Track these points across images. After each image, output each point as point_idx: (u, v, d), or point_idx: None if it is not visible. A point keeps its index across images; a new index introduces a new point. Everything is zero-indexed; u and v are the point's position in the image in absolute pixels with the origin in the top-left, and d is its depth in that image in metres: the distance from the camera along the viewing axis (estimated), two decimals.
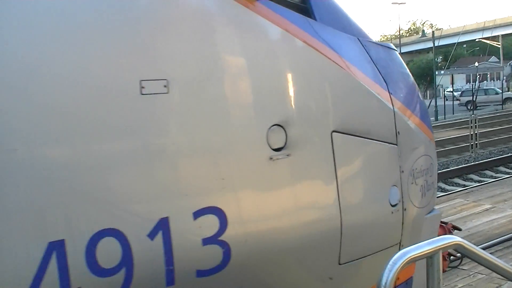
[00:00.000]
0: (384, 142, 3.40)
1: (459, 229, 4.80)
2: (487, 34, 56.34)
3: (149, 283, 2.42)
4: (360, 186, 3.26)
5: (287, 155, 2.81)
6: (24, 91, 2.11)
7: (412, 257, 2.44)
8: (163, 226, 2.42)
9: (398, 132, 3.49)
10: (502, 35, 71.06)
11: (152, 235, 2.39)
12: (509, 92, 48.34)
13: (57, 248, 2.16)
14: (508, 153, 18.06)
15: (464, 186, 13.51)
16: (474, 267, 6.01)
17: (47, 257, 2.14)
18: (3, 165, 2.06)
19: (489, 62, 67.72)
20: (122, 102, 2.33)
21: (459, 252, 3.74)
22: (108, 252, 2.28)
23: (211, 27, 2.67)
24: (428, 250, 2.52)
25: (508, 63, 77.87)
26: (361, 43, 3.52)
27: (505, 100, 41.60)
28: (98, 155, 2.27)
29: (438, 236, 3.69)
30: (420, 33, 77.11)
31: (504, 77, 59.76)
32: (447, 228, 4.49)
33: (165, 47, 2.48)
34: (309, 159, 2.95)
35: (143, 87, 2.35)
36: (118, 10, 2.35)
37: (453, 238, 2.74)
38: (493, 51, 69.82)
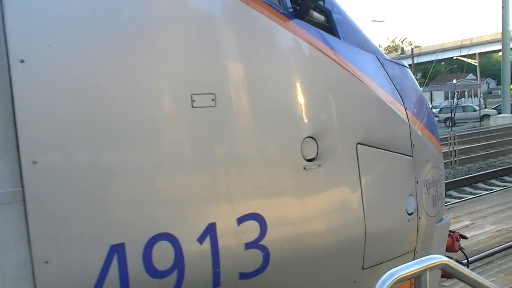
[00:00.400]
0: (402, 154, 3.64)
1: (465, 238, 4.98)
2: (465, 52, 57.44)
3: (198, 285, 2.59)
4: (381, 195, 3.45)
5: (319, 165, 3.04)
6: (101, 104, 2.34)
7: (400, 277, 2.47)
8: (210, 230, 2.62)
9: (413, 145, 3.73)
10: (479, 53, 72.51)
11: (201, 239, 2.59)
12: (487, 109, 49.20)
13: (118, 250, 2.35)
14: (486, 170, 18.33)
15: (444, 202, 13.63)
16: (455, 283, 6.09)
17: (109, 259, 2.33)
18: (78, 172, 2.27)
19: (466, 79, 68.93)
20: (176, 114, 2.55)
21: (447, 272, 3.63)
22: (163, 255, 2.47)
23: (252, 45, 2.88)
24: (416, 270, 2.56)
25: (485, 81, 79.38)
26: (379, 60, 3.76)
27: (482, 117, 42.31)
28: (154, 163, 2.47)
29: (447, 244, 4.28)
30: (400, 51, 78.40)
31: (482, 94, 60.79)
32: (454, 237, 4.64)
33: (213, 64, 2.68)
34: (337, 169, 3.17)
35: (194, 101, 2.58)
36: (177, 34, 2.59)
37: (440, 258, 2.76)
38: (471, 68, 71.11)
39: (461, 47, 60.95)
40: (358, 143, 3.28)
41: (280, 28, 3.00)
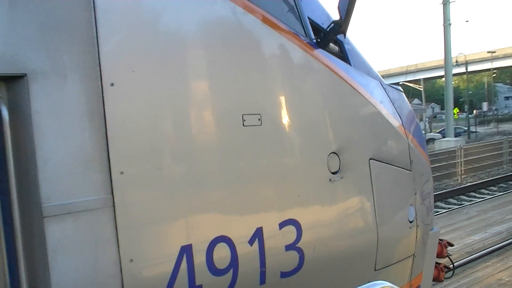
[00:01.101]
0: (403, 168, 4.16)
1: (452, 245, 5.46)
2: (410, 77, 59.44)
3: (248, 282, 2.95)
4: (389, 204, 3.93)
5: (341, 177, 3.49)
6: (175, 122, 2.73)
7: None
8: (258, 234, 3.01)
9: (412, 160, 4.26)
10: (423, 78, 75.24)
11: (251, 241, 2.97)
12: (432, 133, 50.85)
13: (187, 251, 2.71)
14: (441, 190, 18.83)
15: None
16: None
17: (180, 258, 2.68)
18: (157, 182, 2.63)
19: (412, 104, 71.30)
20: (232, 131, 2.95)
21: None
22: (221, 255, 2.83)
23: (290, 72, 3.31)
24: None
25: (430, 105, 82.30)
26: (382, 85, 4.26)
27: (428, 141, 43.71)
28: (216, 175, 2.86)
29: (437, 250, 4.81)
30: None
31: (427, 119, 62.92)
32: (443, 244, 5.08)
33: (260, 88, 3.11)
34: (355, 181, 3.64)
35: (244, 120, 2.98)
36: (236, 66, 3.00)
37: (382, 284, 2.91)
38: (416, 93, 73.68)
39: (406, 73, 63.08)
40: (371, 159, 3.77)
41: (309, 57, 3.44)
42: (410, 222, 4.18)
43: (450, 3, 29.05)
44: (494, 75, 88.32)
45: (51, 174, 2.32)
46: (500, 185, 20.00)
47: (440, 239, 5.04)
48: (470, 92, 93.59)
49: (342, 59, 3.82)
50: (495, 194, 17.04)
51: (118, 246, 2.50)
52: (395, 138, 4.13)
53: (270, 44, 3.23)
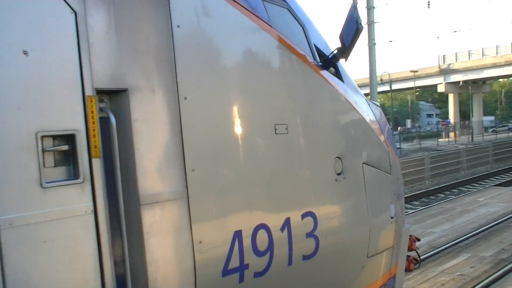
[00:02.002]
0: (386, 172, 4.99)
1: (419, 240, 6.35)
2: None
3: (280, 263, 3.60)
4: (377, 201, 4.71)
5: (343, 178, 4.24)
6: (231, 128, 3.40)
7: None
8: (287, 223, 3.67)
9: (391, 165, 5.13)
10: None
11: (282, 229, 3.63)
12: None
13: (238, 235, 3.32)
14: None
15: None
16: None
17: (234, 240, 3.29)
18: (219, 179, 3.29)
19: None
20: (268, 138, 3.62)
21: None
22: (261, 240, 3.46)
23: (307, 90, 4.06)
24: None
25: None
26: (366, 101, 5.01)
27: None
28: (257, 174, 3.52)
29: (408, 244, 5.64)
30: None
31: None
32: (412, 239, 5.93)
33: (287, 102, 3.83)
34: (353, 181, 4.38)
35: (276, 129, 3.65)
36: (272, 85, 3.74)
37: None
38: None
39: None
40: (363, 163, 4.56)
41: (318, 77, 4.21)
42: (391, 217, 5.04)
43: (375, 24, 30.28)
44: (417, 93, 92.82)
45: (145, 170, 2.90)
46: (422, 199, 20.95)
47: (410, 235, 5.87)
48: (395, 109, 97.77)
49: (338, 78, 4.55)
50: (417, 209, 17.81)
51: (191, 230, 3.09)
52: (380, 147, 4.98)
53: (294, 68, 3.97)
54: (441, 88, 78.33)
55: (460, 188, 23.26)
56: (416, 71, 72.98)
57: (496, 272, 9.57)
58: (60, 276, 2.53)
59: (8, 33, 2.44)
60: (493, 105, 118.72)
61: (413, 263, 5.95)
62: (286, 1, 4.16)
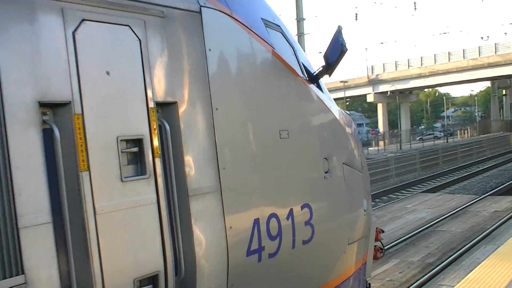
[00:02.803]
0: (359, 171, 5.80)
1: (383, 231, 7.30)
2: None
3: (286, 246, 4.31)
4: (354, 196, 5.52)
5: (330, 176, 4.98)
6: (250, 134, 4.15)
7: None
8: (291, 213, 4.38)
9: (362, 166, 6.00)
10: None
11: (287, 218, 4.34)
12: None
13: (256, 222, 4.03)
14: None
15: None
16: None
17: (255, 228, 4.01)
18: (244, 175, 4.03)
19: None
20: (275, 142, 4.34)
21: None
22: (273, 226, 4.17)
23: (302, 100, 4.86)
24: None
25: None
26: (338, 109, 5.74)
27: None
28: (270, 172, 4.24)
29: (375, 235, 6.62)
30: None
31: None
32: (378, 231, 6.82)
33: (287, 110, 4.56)
34: (337, 179, 5.14)
35: (280, 134, 4.37)
36: (277, 97, 4.49)
37: None
38: None
39: None
40: (343, 163, 5.32)
41: (308, 89, 4.95)
42: (365, 210, 5.85)
43: (305, 35, 31.03)
44: (347, 103, 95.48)
45: (191, 168, 3.59)
46: None
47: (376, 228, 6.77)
48: None
49: (320, 90, 5.28)
50: None
51: (224, 217, 3.78)
52: (354, 149, 5.79)
53: (291, 83, 4.70)
54: (370, 98, 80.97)
55: (390, 195, 24.10)
56: (346, 82, 75.12)
57: (423, 276, 10.02)
58: (136, 252, 3.21)
59: (97, 57, 3.09)
60: (419, 114, 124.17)
61: (379, 252, 6.88)
62: (279, 26, 4.95)
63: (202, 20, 3.81)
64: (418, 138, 70.40)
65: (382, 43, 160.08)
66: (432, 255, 11.80)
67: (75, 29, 3.02)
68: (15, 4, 2.76)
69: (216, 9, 3.99)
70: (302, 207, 4.54)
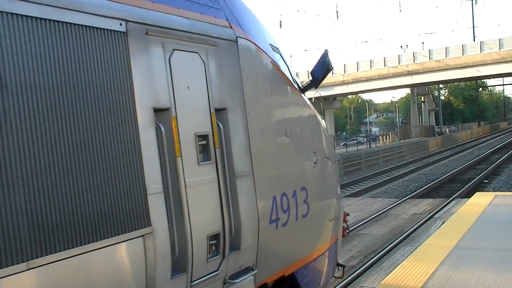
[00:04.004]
0: (334, 164, 7.36)
1: (348, 214, 8.59)
2: None
3: (292, 218, 5.63)
4: (332, 182, 7.13)
5: (317, 166, 6.45)
6: (273, 135, 5.62)
7: None
8: (295, 193, 5.72)
9: (335, 160, 7.60)
10: None
11: (293, 196, 5.67)
12: None
13: (274, 199, 5.32)
14: None
15: None
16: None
17: (274, 203, 5.32)
18: (268, 162, 5.40)
19: None
20: (284, 139, 5.72)
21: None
22: (283, 202, 5.47)
23: (298, 107, 6.31)
24: None
25: None
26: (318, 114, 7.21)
27: None
28: (282, 161, 5.65)
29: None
30: None
31: None
32: (345, 214, 8.07)
33: (290, 115, 6.03)
34: (322, 168, 6.63)
35: (286, 133, 5.74)
36: (285, 101, 6.07)
37: None
38: None
39: None
40: (325, 156, 6.82)
41: (302, 97, 6.45)
42: (339, 195, 7.49)
43: None
44: None
45: (236, 156, 4.81)
46: None
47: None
48: None
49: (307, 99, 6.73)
50: None
51: (256, 194, 5.02)
52: (330, 145, 7.31)
53: (291, 93, 6.14)
54: None
55: None
56: None
57: (345, 279, 10.29)
58: (207, 216, 4.41)
59: (182, 76, 4.27)
60: (343, 120, 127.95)
61: (346, 231, 8.17)
62: (278, 48, 6.31)
63: (238, 47, 5.08)
64: (342, 144, 72.40)
65: (306, 50, 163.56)
66: (355, 258, 12.17)
67: (170, 56, 4.20)
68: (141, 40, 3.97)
69: (245, 39, 5.27)
70: (301, 189, 5.91)
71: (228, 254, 4.65)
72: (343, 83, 74.45)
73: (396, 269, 9.32)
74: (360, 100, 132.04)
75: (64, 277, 3.17)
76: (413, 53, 70.51)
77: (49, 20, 3.24)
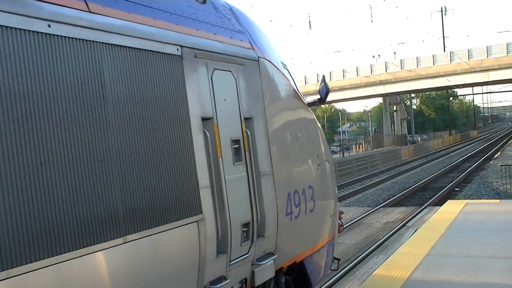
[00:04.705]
0: (331, 166, 8.16)
1: (342, 212, 9.04)
2: None
3: (302, 212, 6.55)
4: (331, 182, 7.97)
5: (320, 167, 7.37)
6: (288, 141, 6.62)
7: None
8: (304, 190, 6.65)
9: (333, 163, 8.53)
10: None
11: (302, 193, 6.59)
12: None
13: (289, 195, 6.24)
14: None
15: None
16: None
17: (288, 199, 6.23)
18: (285, 162, 6.48)
19: None
20: (295, 144, 6.73)
21: None
22: (296, 198, 6.39)
23: (307, 119, 7.29)
24: None
25: None
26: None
27: None
28: (295, 162, 6.72)
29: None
30: None
31: None
32: (340, 211, 8.62)
33: (300, 124, 6.99)
34: (323, 169, 7.54)
35: (296, 138, 6.77)
36: (296, 112, 7.07)
37: None
38: None
39: None
40: (325, 159, 7.71)
41: (309, 112, 7.47)
42: (336, 193, 8.31)
43: None
44: None
45: (260, 158, 5.72)
46: None
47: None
48: None
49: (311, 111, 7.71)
50: None
51: (275, 188, 5.90)
52: (328, 150, 8.16)
53: (300, 105, 7.14)
54: None
55: None
56: None
57: None
58: (241, 207, 5.32)
59: (220, 91, 5.19)
60: None
61: (341, 227, 8.80)
62: (286, 65, 7.18)
63: (259, 66, 6.06)
64: None
65: None
66: None
67: (212, 74, 5.13)
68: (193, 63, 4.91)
69: (264, 58, 6.24)
70: (309, 187, 6.83)
71: (256, 240, 5.56)
72: (316, 92, 74.91)
73: (369, 277, 9.41)
74: (333, 110, 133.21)
75: (148, 249, 4.12)
76: (385, 62, 71.59)
77: (133, 48, 4.19)
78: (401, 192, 27.78)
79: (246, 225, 5.36)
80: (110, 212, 3.75)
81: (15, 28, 3.26)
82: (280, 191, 5.99)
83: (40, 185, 3.26)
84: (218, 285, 5.03)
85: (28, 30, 3.35)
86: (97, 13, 3.95)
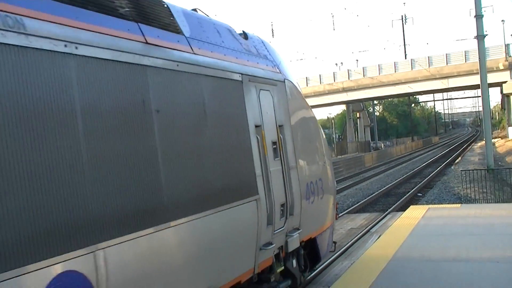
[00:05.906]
0: (331, 162, 10.38)
1: (338, 203, 11.10)
2: None
3: (316, 198, 8.97)
4: (332, 175, 10.25)
5: (325, 164, 9.81)
6: (296, 143, 8.57)
7: None
8: (316, 182, 9.00)
9: (331, 160, 10.86)
10: None
11: (315, 184, 8.95)
12: None
13: (308, 185, 8.57)
14: None
15: None
16: None
17: (306, 187, 8.48)
18: (296, 158, 8.49)
19: None
20: (309, 145, 9.24)
21: None
22: (311, 188, 8.73)
23: (314, 123, 9.75)
24: None
25: None
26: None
27: None
28: (312, 161, 9.24)
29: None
30: None
31: None
32: (336, 203, 10.37)
33: (312, 129, 9.53)
34: (328, 166, 9.97)
35: (310, 140, 9.28)
36: (307, 119, 9.40)
37: None
38: None
39: None
40: (328, 158, 9.95)
41: (315, 118, 9.75)
42: (335, 186, 10.35)
43: None
44: None
45: (289, 156, 7.93)
46: None
47: None
48: None
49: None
50: None
51: (299, 180, 8.06)
52: (328, 150, 10.01)
53: (310, 113, 9.31)
54: None
55: None
56: None
57: None
58: (279, 191, 7.39)
59: (264, 105, 7.37)
60: None
61: (337, 215, 10.63)
62: (297, 83, 9.23)
63: (285, 85, 8.20)
64: None
65: None
66: None
67: (259, 94, 7.21)
68: (249, 86, 7.04)
69: (288, 79, 8.46)
70: (319, 180, 8.95)
71: (288, 217, 7.61)
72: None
73: (335, 284, 9.53)
74: None
75: (226, 219, 5.99)
76: (348, 70, 72.75)
77: (219, 77, 6.29)
78: (365, 198, 28.11)
79: (282, 205, 7.38)
80: (207, 190, 5.67)
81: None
82: (302, 181, 8.13)
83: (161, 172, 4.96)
84: (268, 248, 7.02)
85: (172, 70, 5.43)
86: (198, 54, 5.97)
